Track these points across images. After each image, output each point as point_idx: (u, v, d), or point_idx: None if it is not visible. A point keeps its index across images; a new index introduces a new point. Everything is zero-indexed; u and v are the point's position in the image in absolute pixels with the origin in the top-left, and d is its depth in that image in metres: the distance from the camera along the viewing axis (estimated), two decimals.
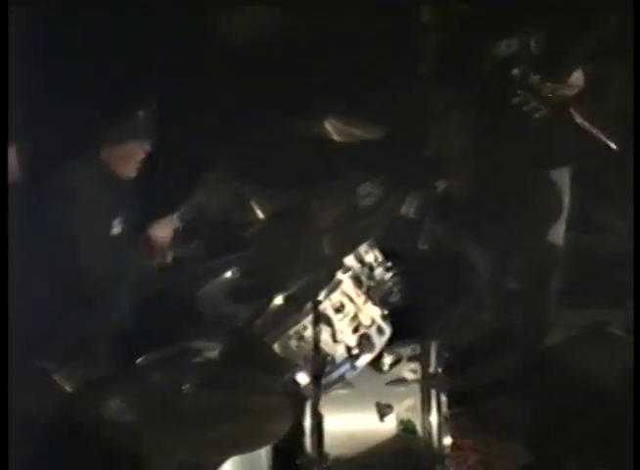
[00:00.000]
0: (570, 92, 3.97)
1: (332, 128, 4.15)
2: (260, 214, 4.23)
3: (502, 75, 4.00)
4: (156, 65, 4.21)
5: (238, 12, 5.54)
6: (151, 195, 4.34)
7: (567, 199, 4.50)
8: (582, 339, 3.64)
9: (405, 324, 4.12)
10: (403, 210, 4.74)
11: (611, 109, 5.37)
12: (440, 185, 4.75)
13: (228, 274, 4.20)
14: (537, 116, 3.66)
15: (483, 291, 5.05)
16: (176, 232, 4.50)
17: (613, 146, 3.79)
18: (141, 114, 4.25)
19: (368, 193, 4.02)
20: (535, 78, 3.65)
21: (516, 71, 3.77)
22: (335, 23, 5.95)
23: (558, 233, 4.54)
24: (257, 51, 5.38)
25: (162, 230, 4.46)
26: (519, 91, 3.64)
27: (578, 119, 3.78)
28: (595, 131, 3.79)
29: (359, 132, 4.16)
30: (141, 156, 4.25)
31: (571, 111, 3.71)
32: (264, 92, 4.89)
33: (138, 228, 4.34)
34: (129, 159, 4.25)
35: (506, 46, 4.26)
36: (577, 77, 4.15)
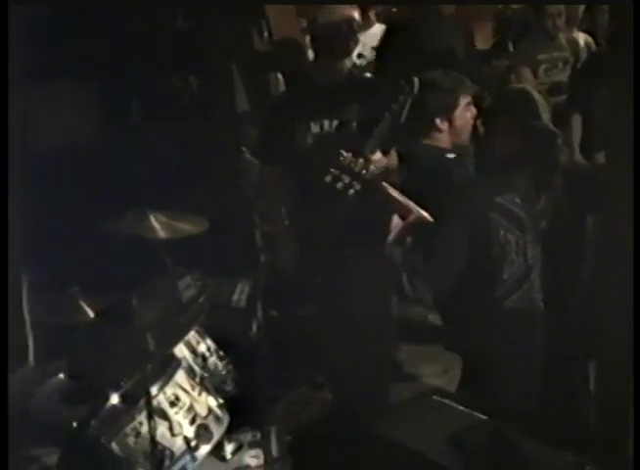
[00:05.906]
0: (380, 167, 4.04)
1: (158, 224, 4.14)
2: (91, 314, 4.18)
3: (319, 155, 4.08)
4: None
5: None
6: None
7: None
8: (412, 409, 3.73)
9: (244, 411, 4.14)
10: (235, 297, 4.78)
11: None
12: (269, 270, 4.81)
13: (60, 377, 4.17)
14: (351, 192, 3.74)
15: (322, 370, 5.10)
16: None
17: (428, 218, 3.89)
18: None
19: (188, 285, 4.05)
20: (347, 156, 3.73)
21: (330, 151, 3.84)
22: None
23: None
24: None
25: None
26: (331, 169, 3.71)
27: (392, 192, 3.86)
28: (410, 204, 3.89)
29: (185, 226, 4.16)
30: None
31: (384, 185, 3.80)
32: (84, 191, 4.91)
33: None
34: None
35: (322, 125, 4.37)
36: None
